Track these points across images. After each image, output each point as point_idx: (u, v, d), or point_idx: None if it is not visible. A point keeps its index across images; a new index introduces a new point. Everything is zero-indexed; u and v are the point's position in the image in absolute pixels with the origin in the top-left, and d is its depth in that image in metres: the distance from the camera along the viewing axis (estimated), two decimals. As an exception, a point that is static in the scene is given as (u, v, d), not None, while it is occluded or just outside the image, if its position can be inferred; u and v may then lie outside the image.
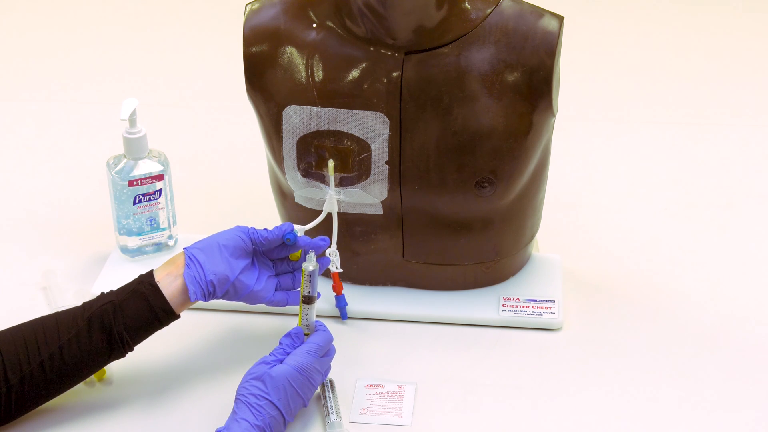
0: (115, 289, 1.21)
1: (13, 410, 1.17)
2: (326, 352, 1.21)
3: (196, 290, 1.20)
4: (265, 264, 1.27)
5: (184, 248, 1.23)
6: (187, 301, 1.20)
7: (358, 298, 1.38)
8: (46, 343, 1.16)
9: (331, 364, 1.24)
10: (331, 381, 1.23)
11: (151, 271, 1.21)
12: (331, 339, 1.22)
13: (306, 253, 1.26)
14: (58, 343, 1.16)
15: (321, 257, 1.29)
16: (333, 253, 1.32)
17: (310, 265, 1.22)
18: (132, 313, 1.18)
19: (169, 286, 1.20)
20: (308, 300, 1.22)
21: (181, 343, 1.32)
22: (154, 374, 1.28)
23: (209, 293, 1.21)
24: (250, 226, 1.25)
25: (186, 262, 1.21)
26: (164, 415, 1.22)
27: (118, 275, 1.42)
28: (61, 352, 1.16)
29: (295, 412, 1.17)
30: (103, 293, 1.20)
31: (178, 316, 1.21)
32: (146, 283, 1.19)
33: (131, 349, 1.19)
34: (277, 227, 1.25)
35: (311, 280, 1.22)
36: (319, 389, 1.23)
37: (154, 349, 1.27)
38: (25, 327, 1.18)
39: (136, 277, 1.22)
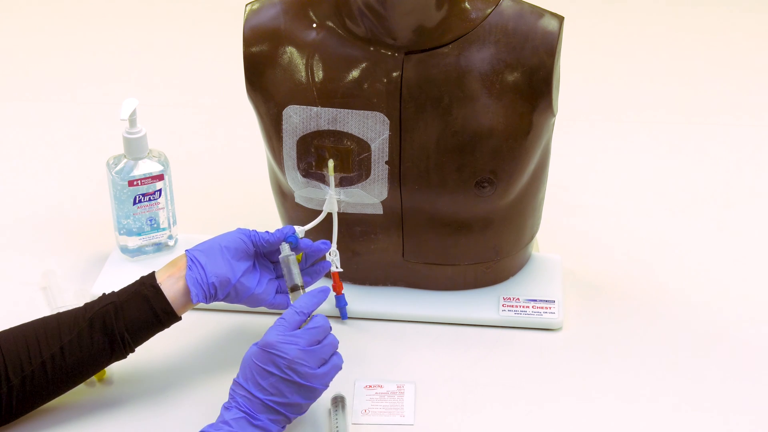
0: (116, 290, 1.21)
1: (14, 410, 1.17)
2: (319, 339, 1.16)
3: (197, 292, 1.20)
4: (266, 266, 1.27)
5: (186, 250, 1.23)
6: (188, 303, 1.20)
7: (358, 298, 1.38)
8: (48, 344, 1.16)
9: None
10: (342, 398, 1.22)
11: (153, 272, 1.21)
12: (302, 317, 1.16)
13: (308, 256, 1.27)
14: (60, 344, 1.16)
15: (321, 260, 1.29)
16: (333, 253, 1.32)
17: (283, 253, 1.23)
18: (133, 315, 1.18)
19: (170, 287, 1.20)
20: (291, 289, 1.22)
21: (181, 343, 1.32)
22: (154, 374, 1.28)
23: (211, 295, 1.21)
24: (251, 229, 1.25)
25: (188, 263, 1.21)
26: (164, 415, 1.22)
27: (118, 275, 1.42)
28: (62, 352, 1.16)
29: (278, 396, 1.13)
30: (104, 294, 1.20)
31: (180, 318, 1.21)
32: (148, 285, 1.19)
33: (132, 350, 1.19)
34: (278, 230, 1.25)
35: (289, 269, 1.22)
36: (330, 405, 1.23)
37: (154, 349, 1.27)
38: (27, 327, 1.18)
39: (137, 278, 1.22)
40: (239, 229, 1.25)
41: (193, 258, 1.21)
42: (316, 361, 1.14)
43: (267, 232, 1.25)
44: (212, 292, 1.21)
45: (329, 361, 1.16)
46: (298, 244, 1.25)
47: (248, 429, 1.12)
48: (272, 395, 1.13)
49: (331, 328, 1.18)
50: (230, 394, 1.14)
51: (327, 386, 1.16)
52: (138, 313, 1.18)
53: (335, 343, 1.17)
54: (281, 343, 1.13)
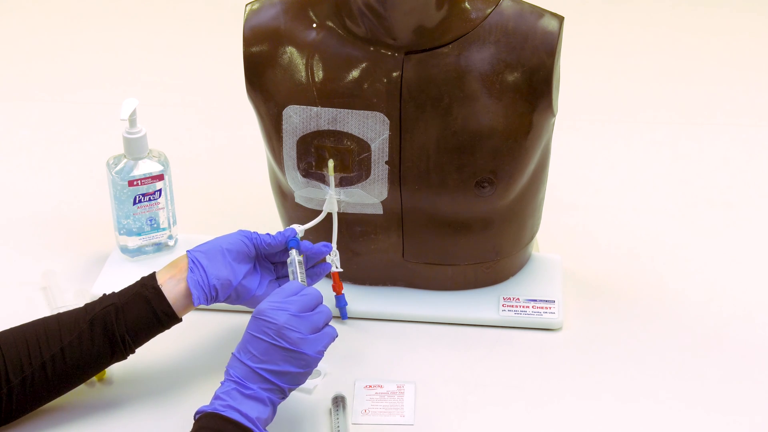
0: (116, 290, 1.21)
1: (14, 410, 1.16)
2: (311, 306, 1.15)
3: (199, 295, 1.20)
4: (267, 268, 1.27)
5: (187, 251, 1.22)
6: (189, 305, 1.20)
7: (358, 298, 1.38)
8: (48, 345, 1.16)
9: (330, 364, 1.25)
10: (343, 398, 1.22)
11: (153, 273, 1.21)
12: (297, 287, 1.16)
13: (308, 258, 1.27)
14: (60, 345, 1.16)
15: (322, 262, 1.29)
16: (333, 253, 1.32)
17: (291, 258, 1.24)
18: (134, 316, 1.18)
19: (172, 289, 1.19)
20: None
21: (181, 343, 1.32)
22: (154, 374, 1.28)
23: (212, 297, 1.21)
24: (252, 231, 1.25)
25: (189, 265, 1.21)
26: (164, 415, 1.22)
27: (118, 275, 1.42)
28: (62, 353, 1.16)
29: (269, 363, 1.12)
30: (105, 295, 1.20)
31: (180, 320, 1.21)
32: (149, 286, 1.19)
33: (133, 352, 1.19)
34: (279, 233, 1.25)
35: (295, 274, 1.23)
36: (331, 405, 1.23)
37: (154, 349, 1.27)
38: (27, 328, 1.18)
39: (137, 278, 1.22)
40: (241, 230, 1.25)
41: (194, 259, 1.21)
42: (307, 327, 1.13)
43: (268, 234, 1.25)
44: (213, 294, 1.21)
45: (322, 330, 1.15)
46: (299, 247, 1.26)
47: (239, 399, 1.11)
48: (263, 362, 1.12)
49: (323, 298, 1.17)
50: (225, 370, 1.14)
51: (321, 355, 1.14)
52: (139, 314, 1.18)
53: (328, 314, 1.17)
54: (271, 309, 1.13)
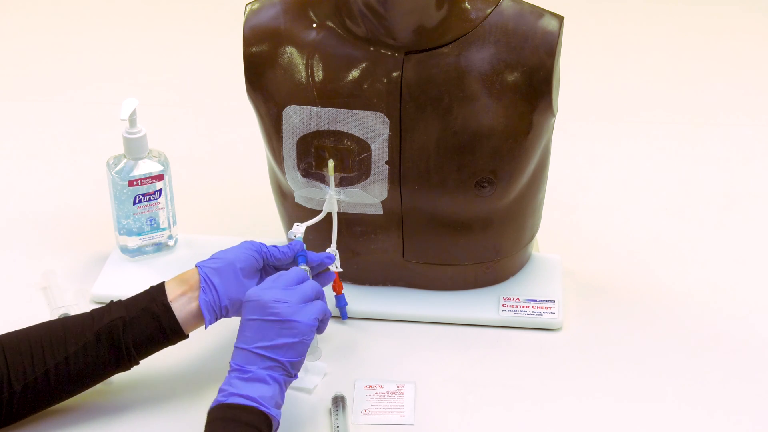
0: (124, 298, 1.20)
1: (14, 415, 1.16)
2: (296, 281, 1.17)
3: (211, 318, 1.19)
4: (271, 275, 1.26)
5: (198, 265, 1.21)
6: (199, 323, 1.20)
7: (358, 298, 1.38)
8: (53, 353, 1.15)
9: (330, 364, 1.25)
10: (343, 398, 1.22)
11: (162, 285, 1.20)
12: (279, 272, 1.19)
13: (312, 269, 1.26)
14: (65, 354, 1.15)
15: (325, 271, 1.29)
16: (333, 252, 1.32)
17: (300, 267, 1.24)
18: (142, 332, 1.17)
19: (182, 308, 1.19)
20: None
21: (183, 345, 1.31)
22: (155, 376, 1.27)
23: (222, 316, 1.21)
24: (259, 242, 1.24)
25: (201, 285, 1.20)
26: (165, 417, 1.22)
27: (118, 275, 1.42)
28: (67, 362, 1.15)
29: (263, 340, 1.13)
30: (112, 302, 1.19)
31: (188, 336, 1.20)
32: (159, 302, 1.18)
33: (137, 363, 1.19)
34: (287, 246, 1.25)
35: None
36: (330, 405, 1.23)
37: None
38: (32, 333, 1.17)
39: (139, 279, 1.21)
40: (248, 243, 1.23)
41: (206, 278, 1.20)
42: (295, 298, 1.14)
43: (276, 247, 1.24)
44: (224, 313, 1.21)
45: (313, 302, 1.16)
46: (307, 262, 1.25)
47: (239, 384, 1.11)
48: (257, 341, 1.12)
49: (308, 276, 1.19)
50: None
51: (314, 322, 1.14)
52: (147, 330, 1.17)
53: (316, 286, 1.18)
54: (258, 290, 1.14)
